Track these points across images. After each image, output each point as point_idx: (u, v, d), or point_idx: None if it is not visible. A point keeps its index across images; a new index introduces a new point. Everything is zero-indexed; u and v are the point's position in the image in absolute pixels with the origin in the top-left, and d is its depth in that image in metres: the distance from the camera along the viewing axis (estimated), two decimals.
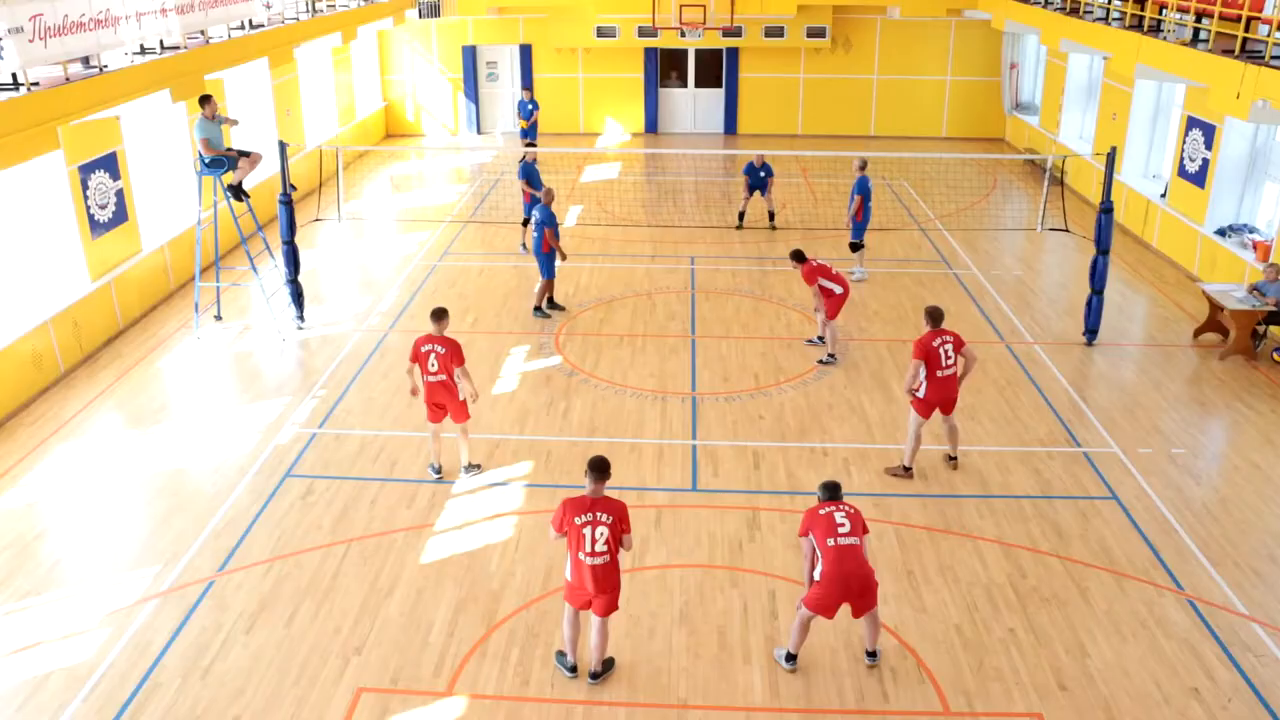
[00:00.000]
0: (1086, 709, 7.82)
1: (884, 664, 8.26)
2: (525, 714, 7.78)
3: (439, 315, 10.58)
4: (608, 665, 8.17)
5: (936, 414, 10.90)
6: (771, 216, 19.88)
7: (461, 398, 10.63)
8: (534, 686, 8.04)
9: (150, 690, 8.00)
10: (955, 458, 11.19)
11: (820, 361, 13.73)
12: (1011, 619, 8.81)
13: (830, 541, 7.77)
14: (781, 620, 8.76)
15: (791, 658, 8.20)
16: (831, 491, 8.14)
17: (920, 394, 10.66)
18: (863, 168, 16.43)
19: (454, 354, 10.45)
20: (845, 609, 8.00)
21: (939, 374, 10.57)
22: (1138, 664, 8.28)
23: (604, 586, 7.74)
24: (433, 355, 10.43)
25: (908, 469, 11.01)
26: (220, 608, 8.96)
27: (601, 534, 7.64)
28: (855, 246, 16.67)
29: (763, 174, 19.32)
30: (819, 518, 7.92)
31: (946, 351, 10.56)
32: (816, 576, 7.86)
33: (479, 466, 11.18)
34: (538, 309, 15.40)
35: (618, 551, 7.77)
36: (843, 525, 7.83)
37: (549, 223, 14.80)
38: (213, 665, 8.27)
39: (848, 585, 7.75)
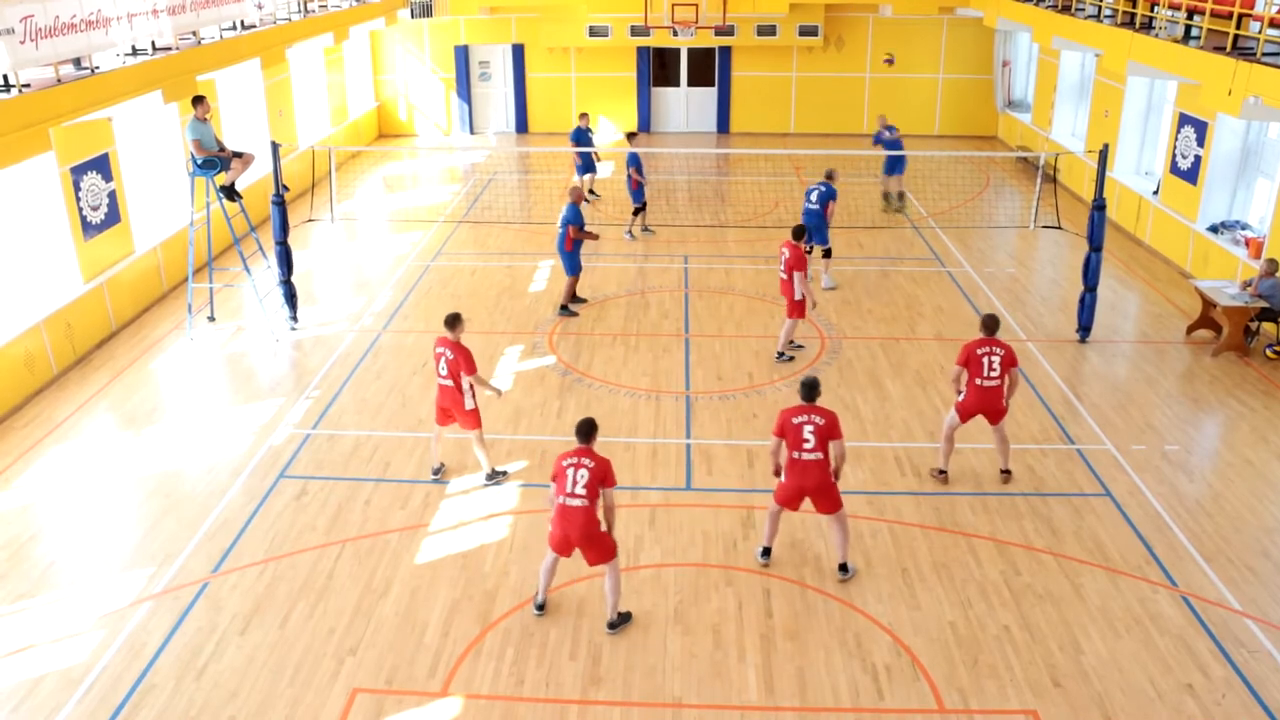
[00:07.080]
0: (1081, 705, 7.83)
1: (878, 662, 8.28)
2: (520, 714, 7.78)
3: (452, 321, 10.48)
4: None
5: (983, 421, 10.81)
6: (901, 196, 21.03)
7: (469, 406, 10.52)
8: (529, 686, 8.04)
9: (145, 692, 7.99)
10: (1008, 470, 10.97)
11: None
12: (1006, 616, 8.83)
13: (795, 454, 8.85)
14: (776, 619, 8.77)
15: (766, 551, 9.47)
16: (808, 391, 8.93)
17: (960, 397, 10.62)
18: (829, 177, 16.29)
19: (463, 360, 10.30)
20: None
21: (979, 382, 10.40)
22: (1132, 660, 8.31)
23: None
24: (443, 359, 10.39)
25: (942, 472, 10.95)
26: (214, 609, 8.95)
27: None
28: (825, 253, 16.49)
29: (886, 134, 20.20)
30: (791, 426, 8.85)
31: (991, 362, 10.36)
32: (782, 478, 9.03)
33: (504, 473, 11.01)
34: (563, 307, 15.39)
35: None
36: (808, 441, 8.80)
37: (574, 220, 14.81)
38: (207, 667, 8.26)
39: (803, 491, 8.95)
